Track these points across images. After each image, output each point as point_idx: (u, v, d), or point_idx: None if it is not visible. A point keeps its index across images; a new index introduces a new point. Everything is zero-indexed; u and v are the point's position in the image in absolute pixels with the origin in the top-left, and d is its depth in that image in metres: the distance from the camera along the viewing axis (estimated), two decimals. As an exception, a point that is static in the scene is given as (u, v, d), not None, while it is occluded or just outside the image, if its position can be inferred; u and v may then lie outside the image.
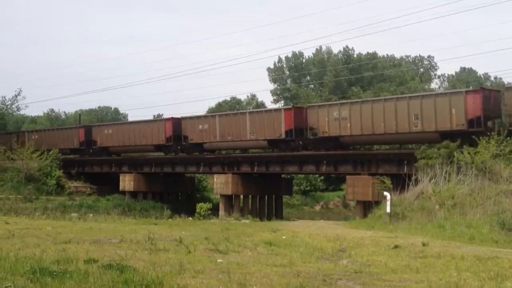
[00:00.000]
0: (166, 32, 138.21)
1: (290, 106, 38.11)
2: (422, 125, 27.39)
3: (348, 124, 30.15)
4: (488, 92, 26.96)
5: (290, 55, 70.64)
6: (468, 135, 25.24)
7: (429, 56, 74.97)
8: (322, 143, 32.09)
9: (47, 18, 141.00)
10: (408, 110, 27.84)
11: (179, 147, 39.88)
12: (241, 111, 39.81)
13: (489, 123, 25.99)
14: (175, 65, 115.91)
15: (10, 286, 6.95)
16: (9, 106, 53.30)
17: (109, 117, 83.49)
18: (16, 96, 51.80)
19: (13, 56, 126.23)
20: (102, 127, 47.37)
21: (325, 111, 31.52)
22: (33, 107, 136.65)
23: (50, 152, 43.92)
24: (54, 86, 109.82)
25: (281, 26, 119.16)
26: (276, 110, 37.67)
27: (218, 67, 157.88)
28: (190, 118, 40.04)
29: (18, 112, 63.02)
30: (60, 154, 44.99)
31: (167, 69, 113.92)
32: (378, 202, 25.35)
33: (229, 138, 36.39)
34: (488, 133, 23.50)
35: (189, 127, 39.09)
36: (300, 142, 33.33)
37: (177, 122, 40.08)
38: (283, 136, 33.17)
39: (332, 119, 30.83)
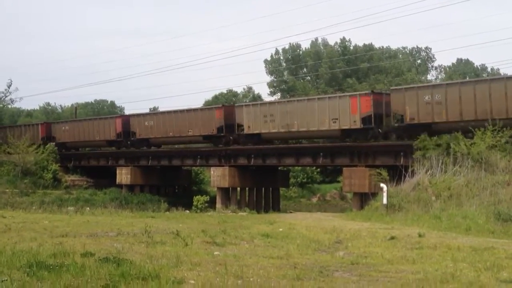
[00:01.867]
0: (162, 25, 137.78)
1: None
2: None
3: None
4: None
5: (287, 47, 70.53)
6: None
7: (426, 48, 74.96)
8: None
9: (42, 12, 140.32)
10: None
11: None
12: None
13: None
14: (171, 57, 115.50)
15: (6, 279, 6.94)
16: (2, 98, 52.74)
17: (105, 110, 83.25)
18: (8, 87, 51.15)
19: (7, 50, 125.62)
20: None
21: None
22: (28, 100, 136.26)
23: (46, 146, 43.85)
24: (50, 79, 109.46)
25: (278, 18, 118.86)
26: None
27: (215, 60, 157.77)
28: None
29: (13, 105, 62.56)
30: (56, 148, 44.93)
31: (163, 62, 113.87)
32: (374, 193, 25.42)
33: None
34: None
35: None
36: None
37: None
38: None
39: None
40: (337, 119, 30.59)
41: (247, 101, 63.69)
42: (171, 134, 39.63)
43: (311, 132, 32.81)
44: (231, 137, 36.10)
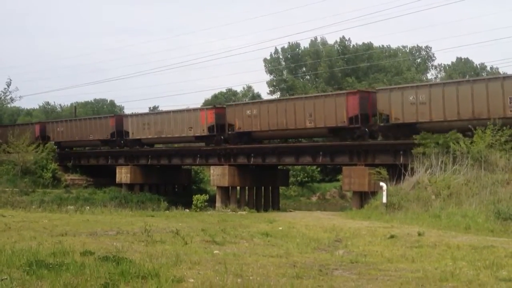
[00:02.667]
0: (162, 24, 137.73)
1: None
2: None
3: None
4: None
5: (286, 46, 70.48)
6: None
7: (426, 47, 74.89)
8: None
9: (41, 10, 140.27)
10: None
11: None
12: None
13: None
14: (171, 56, 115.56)
15: (6, 278, 6.94)
16: (2, 97, 52.60)
17: (105, 109, 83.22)
18: (8, 86, 51.06)
19: (6, 49, 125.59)
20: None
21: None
22: (28, 99, 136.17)
23: (46, 145, 43.83)
24: (49, 78, 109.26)
25: (277, 17, 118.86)
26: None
27: (215, 59, 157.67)
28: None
29: (13, 104, 62.39)
30: (56, 147, 44.94)
31: (163, 61, 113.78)
32: (374, 192, 25.43)
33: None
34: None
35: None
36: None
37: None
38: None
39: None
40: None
41: (247, 99, 63.69)
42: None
43: (169, 138, 36.40)
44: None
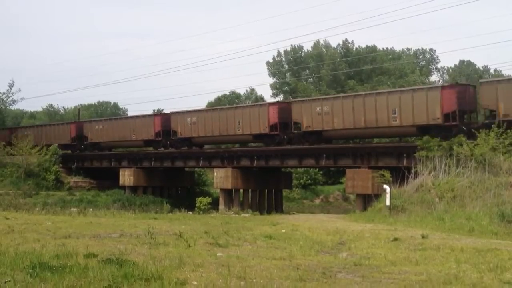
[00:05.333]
0: (165, 27, 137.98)
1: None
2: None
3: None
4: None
5: (289, 48, 70.50)
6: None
7: (430, 49, 74.79)
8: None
9: (45, 12, 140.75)
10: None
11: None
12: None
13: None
14: (174, 59, 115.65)
15: (9, 281, 6.95)
16: (5, 99, 52.73)
17: (109, 111, 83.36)
18: (10, 87, 51.19)
19: (11, 52, 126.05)
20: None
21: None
22: (32, 102, 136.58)
23: (50, 147, 43.91)
24: (53, 81, 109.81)
25: (280, 19, 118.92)
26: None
27: (218, 61, 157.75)
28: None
29: (15, 106, 62.58)
30: (59, 149, 45.04)
31: (166, 64, 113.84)
32: (378, 195, 25.39)
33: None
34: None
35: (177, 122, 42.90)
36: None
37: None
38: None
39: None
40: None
41: (250, 102, 63.70)
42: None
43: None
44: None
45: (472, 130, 24.69)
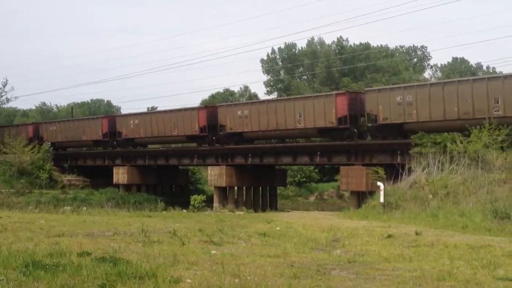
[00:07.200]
0: (159, 24, 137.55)
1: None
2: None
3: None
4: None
5: (283, 46, 70.44)
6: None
7: (422, 46, 74.91)
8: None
9: (38, 10, 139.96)
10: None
11: None
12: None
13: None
14: (168, 57, 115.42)
15: (2, 279, 6.92)
16: None
17: (102, 110, 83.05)
18: (3, 86, 50.88)
19: (2, 49, 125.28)
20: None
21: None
22: (24, 100, 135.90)
23: (42, 145, 43.73)
24: (46, 79, 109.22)
25: (274, 16, 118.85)
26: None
27: (212, 59, 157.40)
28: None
29: (9, 105, 62.18)
30: (52, 148, 44.86)
31: (160, 61, 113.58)
32: (372, 192, 25.45)
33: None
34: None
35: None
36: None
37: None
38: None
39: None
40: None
41: (244, 100, 63.63)
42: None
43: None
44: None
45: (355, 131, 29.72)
